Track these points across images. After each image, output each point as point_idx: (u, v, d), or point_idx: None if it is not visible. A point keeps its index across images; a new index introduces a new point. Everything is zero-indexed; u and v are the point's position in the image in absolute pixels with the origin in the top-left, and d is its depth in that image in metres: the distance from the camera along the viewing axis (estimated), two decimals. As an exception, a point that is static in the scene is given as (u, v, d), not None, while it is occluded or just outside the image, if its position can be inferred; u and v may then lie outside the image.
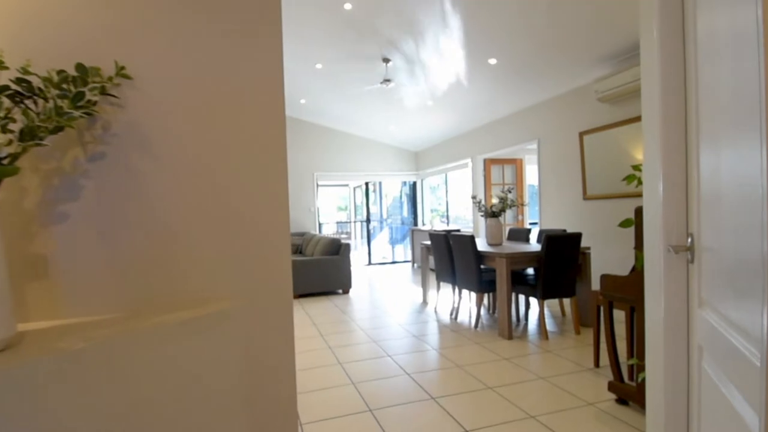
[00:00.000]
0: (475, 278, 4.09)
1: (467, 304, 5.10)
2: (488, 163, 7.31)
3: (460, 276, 4.39)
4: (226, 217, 1.18)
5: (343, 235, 11.17)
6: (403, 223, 10.76)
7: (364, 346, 3.69)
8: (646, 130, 1.56)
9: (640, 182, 2.11)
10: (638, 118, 4.26)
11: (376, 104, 7.22)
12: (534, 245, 4.34)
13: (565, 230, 4.42)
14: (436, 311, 4.89)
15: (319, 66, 6.09)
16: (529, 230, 5.11)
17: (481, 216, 4.78)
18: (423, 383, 2.80)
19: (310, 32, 5.10)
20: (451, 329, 4.12)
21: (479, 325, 4.20)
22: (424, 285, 5.42)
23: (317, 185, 8.89)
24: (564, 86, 5.20)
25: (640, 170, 2.13)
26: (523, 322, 4.33)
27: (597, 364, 2.94)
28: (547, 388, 2.65)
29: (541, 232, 4.90)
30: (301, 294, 5.94)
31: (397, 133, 8.72)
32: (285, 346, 1.25)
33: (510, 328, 3.73)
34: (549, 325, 4.13)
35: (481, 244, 4.52)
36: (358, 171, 9.21)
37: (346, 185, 14.38)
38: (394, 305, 5.27)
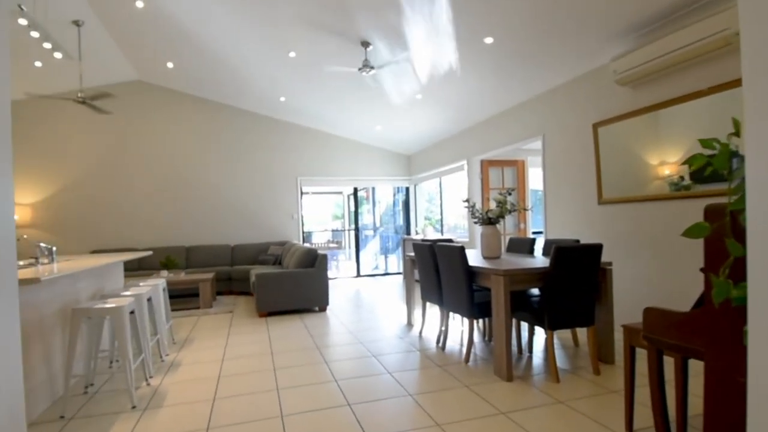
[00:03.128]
0: (466, 300, 3.28)
1: (458, 327, 4.30)
2: (485, 165, 6.53)
3: (447, 296, 3.59)
4: None
5: (333, 244, 10.38)
6: (396, 232, 9.98)
7: (322, 387, 2.88)
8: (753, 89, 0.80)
9: (712, 166, 1.32)
10: (668, 103, 3.49)
11: (359, 101, 6.48)
12: (539, 259, 3.54)
13: (577, 240, 3.62)
14: (421, 336, 4.08)
15: (292, 54, 5.37)
16: (532, 240, 4.31)
17: (475, 223, 3.99)
18: (385, 455, 1.99)
19: (280, 12, 4.39)
20: (437, 363, 3.30)
21: (471, 357, 3.39)
22: (409, 304, 4.61)
23: (301, 190, 8.12)
24: (574, 69, 4.43)
25: (712, 146, 1.35)
26: (526, 354, 3.51)
27: (630, 426, 2.12)
28: (561, 469, 1.84)
29: (547, 243, 4.11)
30: (270, 312, 5.14)
31: (385, 134, 7.97)
32: None
33: (509, 367, 2.92)
34: (560, 359, 3.31)
35: (475, 257, 3.72)
36: (346, 176, 8.45)
37: (340, 192, 13.67)
38: (373, 328, 4.46)
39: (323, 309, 5.32)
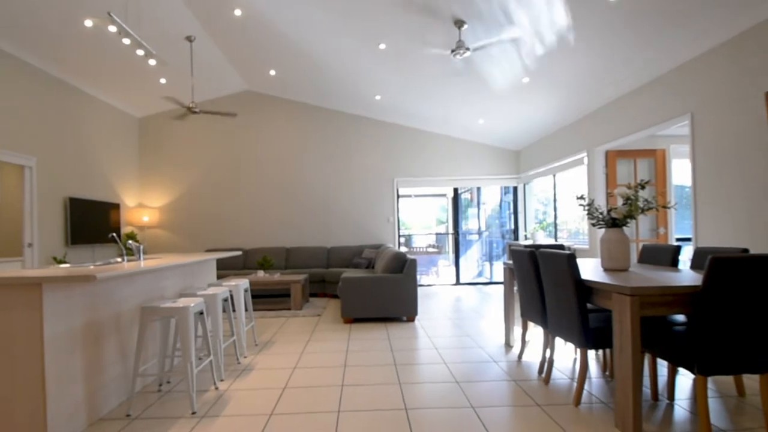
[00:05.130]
0: (577, 324, 2.54)
1: (569, 353, 3.48)
2: (612, 156, 5.43)
3: (552, 317, 2.86)
4: None
5: (432, 249, 9.91)
6: (503, 237, 9.09)
7: (388, 416, 2.43)
8: None
9: None
10: None
11: (457, 92, 5.92)
12: (687, 273, 2.62)
13: (746, 250, 2.59)
14: (520, 361, 3.38)
15: (382, 46, 5.08)
16: (676, 249, 3.29)
17: (593, 225, 3.17)
18: None
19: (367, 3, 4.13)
20: (536, 400, 2.62)
21: (584, 397, 2.62)
22: (507, 321, 3.91)
23: (398, 192, 7.83)
24: (734, 22, 3.30)
25: None
26: (663, 401, 2.60)
27: None
28: None
29: (698, 253, 3.09)
30: (356, 319, 4.88)
31: (489, 128, 7.23)
32: None
33: (638, 418, 2.12)
34: (715, 415, 2.36)
35: (594, 269, 2.93)
36: (446, 176, 7.92)
37: (444, 195, 13.18)
38: (463, 346, 3.87)
39: (411, 319, 4.88)
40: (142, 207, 7.38)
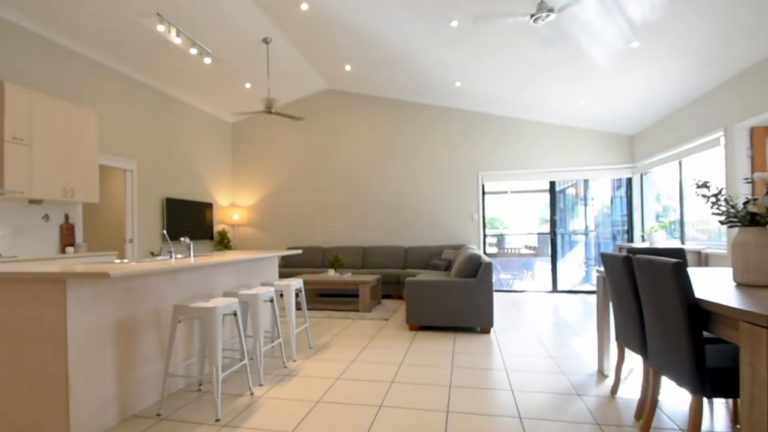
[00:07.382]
0: (687, 361, 1.81)
1: (679, 393, 2.62)
2: (759, 134, 4.14)
3: (654, 347, 2.12)
4: None
5: (527, 251, 8.95)
6: (614, 238, 7.78)
7: (418, 455, 1.99)
8: None
9: None
10: None
11: (547, 68, 5.10)
12: None
13: None
14: (613, 397, 2.64)
15: (454, 24, 4.57)
16: None
17: (721, 223, 2.32)
18: None
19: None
20: (626, 458, 1.93)
21: (699, 466, 1.86)
22: (602, 342, 3.13)
23: (483, 188, 7.14)
24: None
25: None
26: (841, 489, 1.71)
27: None
28: None
29: None
30: (422, 326, 4.45)
31: (591, 110, 6.16)
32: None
33: None
34: None
35: (719, 284, 2.12)
36: (540, 168, 7.02)
37: (547, 190, 11.95)
38: (543, 370, 3.19)
39: (486, 331, 4.27)
40: (233, 206, 7.87)
